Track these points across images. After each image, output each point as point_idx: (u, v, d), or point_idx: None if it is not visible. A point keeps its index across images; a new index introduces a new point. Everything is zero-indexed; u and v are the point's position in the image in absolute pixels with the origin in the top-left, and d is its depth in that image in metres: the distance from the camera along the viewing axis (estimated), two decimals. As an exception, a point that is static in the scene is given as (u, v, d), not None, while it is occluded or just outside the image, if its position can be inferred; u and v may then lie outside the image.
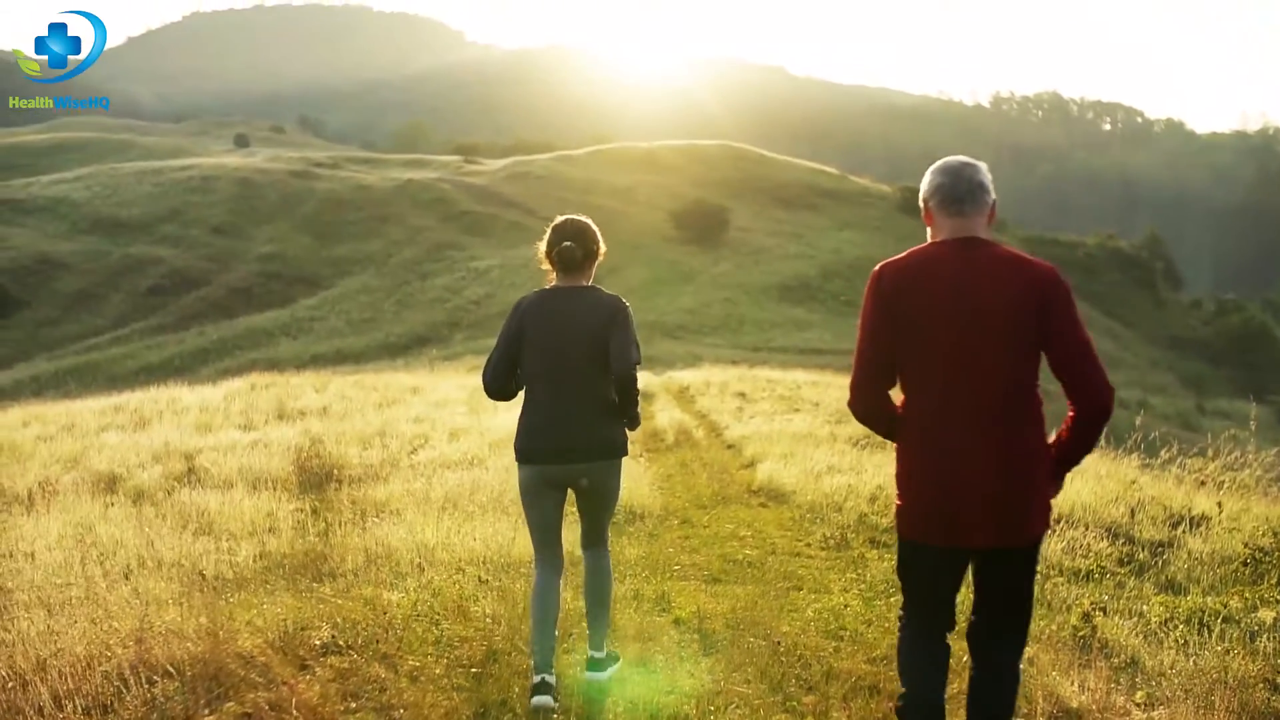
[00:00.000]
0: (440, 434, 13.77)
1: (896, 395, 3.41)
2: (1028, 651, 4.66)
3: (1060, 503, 8.48)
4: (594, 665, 4.35)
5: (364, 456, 11.59)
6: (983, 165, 3.36)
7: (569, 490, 4.38)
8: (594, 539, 4.51)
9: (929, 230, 3.40)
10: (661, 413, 17.52)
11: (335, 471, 10.72)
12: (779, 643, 5.11)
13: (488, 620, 5.08)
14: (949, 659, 3.46)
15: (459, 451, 11.91)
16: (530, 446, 4.26)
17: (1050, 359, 3.19)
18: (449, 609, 5.23)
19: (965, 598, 3.56)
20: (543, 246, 4.40)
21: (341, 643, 4.57)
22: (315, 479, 10.48)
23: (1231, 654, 4.81)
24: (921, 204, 3.41)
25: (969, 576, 3.44)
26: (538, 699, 4.10)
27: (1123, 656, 4.87)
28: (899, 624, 3.52)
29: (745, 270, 67.58)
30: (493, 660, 4.57)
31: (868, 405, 3.35)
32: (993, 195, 3.32)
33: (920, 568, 3.36)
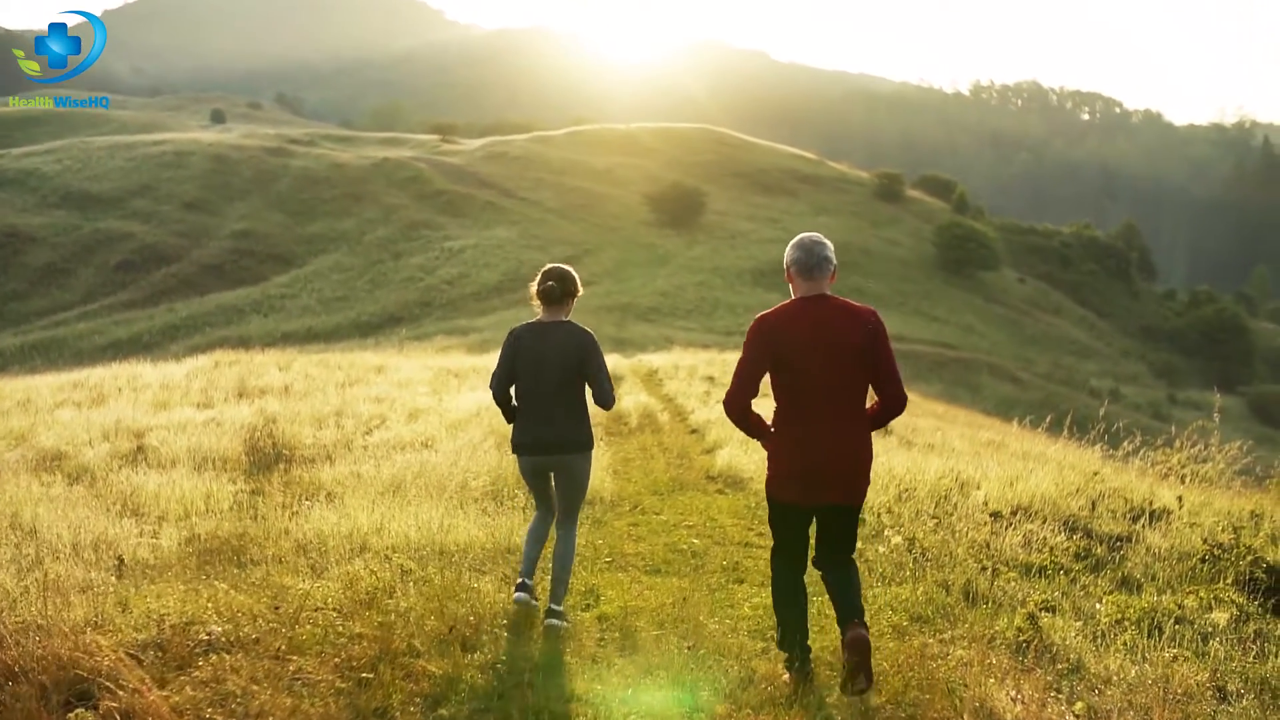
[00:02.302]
0: (399, 414, 13.52)
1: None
2: (962, 655, 4.50)
3: (1020, 494, 8.33)
4: (552, 614, 5.26)
5: (318, 437, 11.34)
6: (829, 243, 4.68)
7: (550, 474, 5.64)
8: (565, 519, 5.66)
9: (790, 287, 4.69)
10: (627, 396, 17.24)
11: (286, 452, 10.45)
12: (690, 646, 4.89)
13: (394, 616, 4.81)
14: (807, 599, 4.74)
15: (414, 433, 11.68)
16: (521, 442, 5.56)
17: (869, 374, 4.50)
18: (358, 602, 4.96)
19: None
20: (534, 287, 5.60)
21: (228, 640, 4.26)
22: (265, 459, 10.22)
23: (1179, 660, 4.60)
24: (785, 268, 4.68)
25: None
26: (518, 595, 5.41)
27: (1067, 661, 4.63)
28: (771, 562, 4.81)
29: (720, 254, 67.31)
30: (384, 661, 4.29)
31: (741, 409, 4.69)
32: (834, 263, 4.61)
33: (787, 520, 4.70)
